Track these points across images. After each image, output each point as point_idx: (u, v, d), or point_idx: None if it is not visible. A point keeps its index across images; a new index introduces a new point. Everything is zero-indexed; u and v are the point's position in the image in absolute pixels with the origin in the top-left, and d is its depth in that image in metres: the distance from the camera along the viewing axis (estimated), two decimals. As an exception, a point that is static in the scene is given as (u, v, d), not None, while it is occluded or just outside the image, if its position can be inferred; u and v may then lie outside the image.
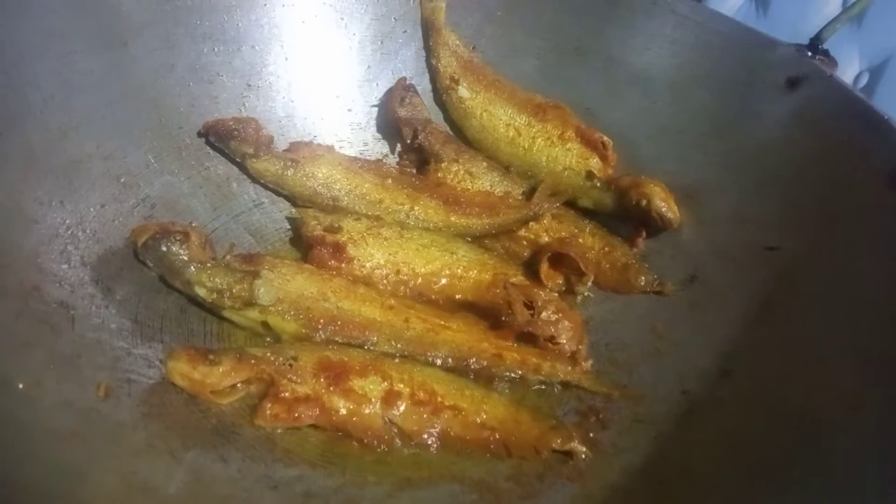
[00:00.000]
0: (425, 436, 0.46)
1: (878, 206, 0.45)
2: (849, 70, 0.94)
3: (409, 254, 0.56)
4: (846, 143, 0.48)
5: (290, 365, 0.46)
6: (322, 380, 0.46)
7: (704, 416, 0.45)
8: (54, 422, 0.36)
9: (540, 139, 0.63)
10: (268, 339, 0.50)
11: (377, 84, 0.66)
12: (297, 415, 0.45)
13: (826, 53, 0.52)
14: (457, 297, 0.56)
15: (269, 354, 0.46)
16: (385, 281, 0.56)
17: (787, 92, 0.53)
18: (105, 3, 0.53)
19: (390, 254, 0.56)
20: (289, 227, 0.59)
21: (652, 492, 0.41)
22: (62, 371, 0.39)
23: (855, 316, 0.43)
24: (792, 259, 0.49)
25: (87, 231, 0.49)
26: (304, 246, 0.56)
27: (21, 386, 0.36)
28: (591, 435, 0.46)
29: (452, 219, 0.60)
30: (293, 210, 0.59)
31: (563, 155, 0.62)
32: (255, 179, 0.60)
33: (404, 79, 0.65)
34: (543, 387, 0.51)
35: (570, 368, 0.51)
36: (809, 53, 0.53)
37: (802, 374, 0.42)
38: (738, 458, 0.40)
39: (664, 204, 0.56)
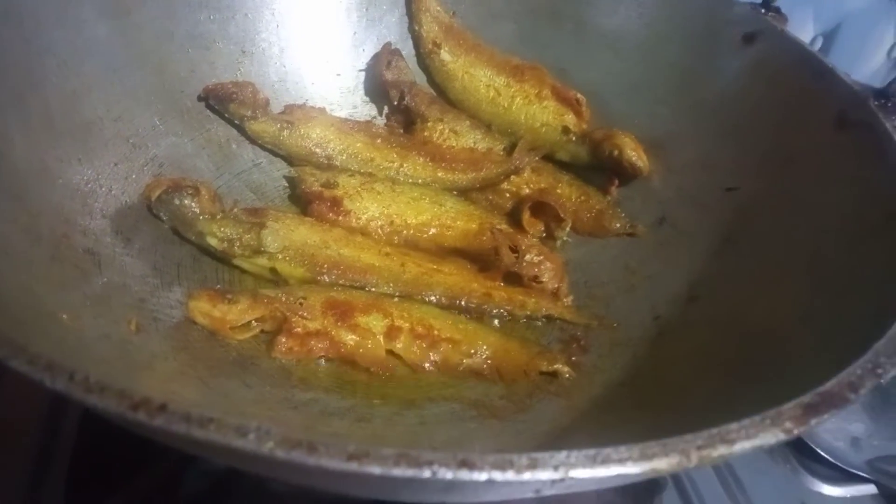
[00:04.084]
0: (425, 364, 0.51)
1: (827, 145, 0.50)
2: (803, 34, 0.99)
3: (401, 206, 0.61)
4: (798, 91, 0.53)
5: (301, 303, 0.50)
6: (330, 317, 0.50)
7: (675, 336, 0.50)
8: (97, 351, 0.40)
9: (518, 98, 0.67)
10: (275, 285, 0.54)
11: (363, 49, 0.69)
12: (309, 348, 0.49)
13: (777, 10, 0.57)
14: (446, 244, 0.60)
15: (280, 295, 0.51)
16: (380, 231, 0.60)
17: (744, 47, 0.58)
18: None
19: (384, 206, 0.60)
20: (287, 185, 0.63)
21: (630, 401, 0.46)
22: (97, 309, 0.43)
23: (806, 243, 0.48)
24: (750, 198, 0.54)
25: (104, 187, 0.52)
26: (303, 201, 0.60)
27: (65, 317, 0.39)
28: (574, 358, 0.52)
29: (439, 174, 0.65)
30: (291, 169, 0.63)
31: (541, 112, 0.66)
32: (253, 141, 0.63)
33: (389, 44, 0.69)
34: (529, 321, 0.56)
35: (552, 304, 0.56)
36: (763, 11, 0.58)
37: (760, 295, 0.48)
38: (706, 368, 0.45)
39: (634, 153, 0.61)
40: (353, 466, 0.22)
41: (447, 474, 0.23)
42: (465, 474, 0.23)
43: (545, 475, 0.23)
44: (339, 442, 0.22)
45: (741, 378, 0.42)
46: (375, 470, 0.22)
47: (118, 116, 0.55)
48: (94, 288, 0.45)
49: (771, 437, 0.26)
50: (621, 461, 0.24)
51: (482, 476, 0.23)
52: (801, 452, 0.59)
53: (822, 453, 0.58)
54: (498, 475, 0.23)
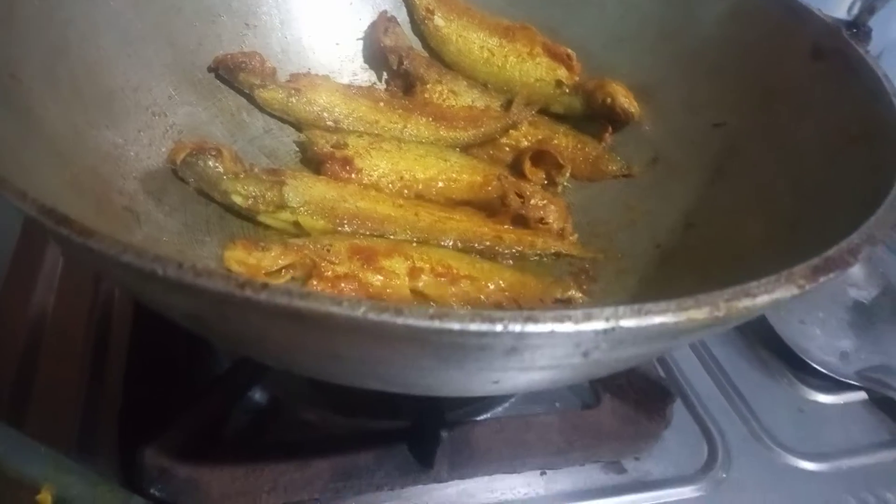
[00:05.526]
0: (448, 299, 0.54)
1: (805, 76, 0.54)
2: None
3: (409, 163, 0.64)
4: (774, 29, 0.58)
5: (328, 249, 0.54)
6: (356, 261, 0.54)
7: (676, 259, 0.54)
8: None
9: (511, 57, 0.71)
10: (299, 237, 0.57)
11: (360, 18, 0.73)
12: (339, 289, 0.52)
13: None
14: (454, 197, 0.64)
15: (308, 242, 0.54)
16: (391, 186, 0.63)
17: (722, -7, 0.62)
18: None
19: (392, 163, 0.64)
20: (298, 149, 0.66)
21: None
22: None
23: (791, 164, 0.52)
24: (736, 131, 0.59)
25: (132, 153, 0.54)
26: (315, 163, 0.63)
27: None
28: (584, 287, 0.56)
29: (442, 132, 0.68)
30: (301, 134, 0.66)
31: (534, 69, 0.70)
32: (262, 109, 0.66)
33: (385, 12, 0.72)
34: (539, 259, 0.60)
35: (560, 241, 0.60)
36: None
37: (752, 214, 0.52)
38: (706, 280, 0.49)
39: (626, 100, 0.65)
40: (436, 324, 0.26)
41: (516, 327, 0.26)
42: (531, 327, 0.26)
43: (599, 325, 0.27)
44: (421, 307, 0.26)
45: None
46: (454, 325, 0.26)
47: (137, 86, 0.58)
48: (138, 238, 0.48)
49: (786, 291, 0.29)
50: (661, 312, 0.27)
51: (546, 328, 0.26)
52: (797, 367, 0.63)
53: (816, 366, 0.62)
54: (559, 326, 0.26)
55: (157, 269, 0.26)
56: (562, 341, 0.28)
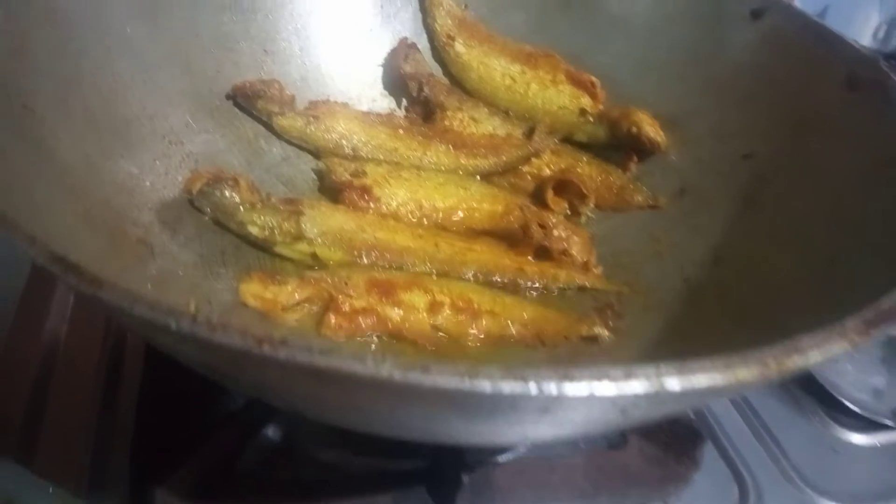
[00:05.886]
0: (468, 335, 0.52)
1: (839, 105, 0.52)
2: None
3: (429, 191, 0.63)
4: (807, 58, 0.56)
5: (346, 283, 0.52)
6: (374, 294, 0.52)
7: (706, 296, 0.52)
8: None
9: (534, 84, 0.70)
10: (316, 269, 0.56)
11: (380, 45, 0.72)
12: (357, 324, 0.51)
13: (783, -15, 0.60)
14: (474, 226, 0.62)
15: (326, 275, 0.52)
16: (410, 216, 0.62)
17: (753, 22, 0.61)
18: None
19: (411, 192, 0.62)
20: (315, 177, 0.65)
21: (670, 357, 0.48)
22: (158, 291, 0.45)
23: (825, 197, 0.51)
24: (767, 161, 0.57)
25: (147, 183, 0.53)
26: (333, 191, 0.62)
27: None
28: (611, 323, 0.54)
29: (462, 160, 0.67)
30: (319, 162, 0.65)
31: (557, 96, 0.69)
32: (280, 136, 0.65)
33: (405, 38, 0.71)
34: (562, 293, 0.58)
35: (584, 274, 0.58)
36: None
37: (786, 248, 0.50)
38: (741, 323, 0.47)
39: (652, 129, 0.63)
40: (466, 384, 0.24)
41: (551, 389, 0.24)
42: (568, 388, 0.24)
43: (640, 386, 0.25)
44: (450, 364, 0.24)
45: (775, 326, 0.44)
46: (486, 386, 0.24)
47: (153, 115, 0.57)
48: (152, 272, 0.46)
49: (839, 347, 0.28)
50: (706, 370, 0.26)
51: (582, 390, 0.24)
52: (829, 405, 0.61)
53: (848, 404, 0.60)
54: (597, 388, 0.25)
55: (170, 323, 0.24)
56: (599, 402, 0.26)
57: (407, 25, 0.72)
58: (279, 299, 0.49)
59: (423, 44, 0.72)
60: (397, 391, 0.25)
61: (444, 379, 0.24)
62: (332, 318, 0.50)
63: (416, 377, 0.24)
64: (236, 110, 0.64)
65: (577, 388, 0.24)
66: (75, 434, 0.53)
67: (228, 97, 0.63)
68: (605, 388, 0.25)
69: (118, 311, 0.26)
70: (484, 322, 0.53)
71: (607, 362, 0.48)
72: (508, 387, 0.24)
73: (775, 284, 0.48)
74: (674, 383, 0.25)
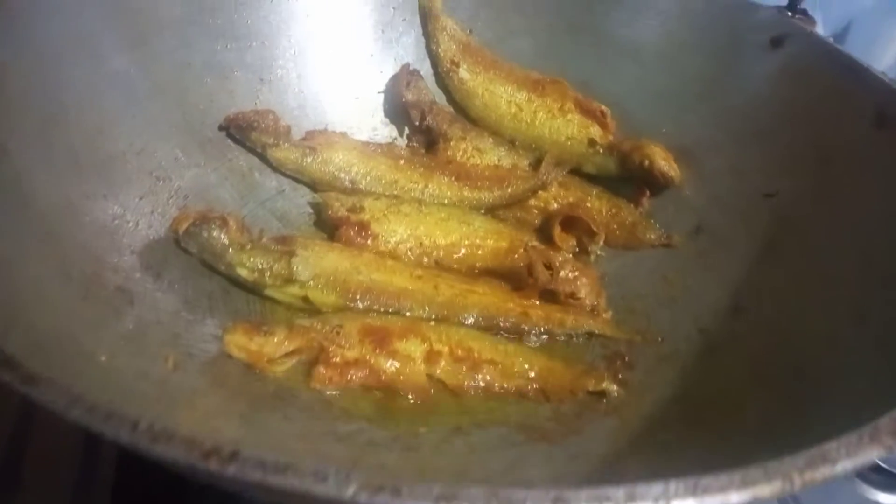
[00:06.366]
0: (467, 388, 0.49)
1: (867, 144, 0.49)
2: (815, 36, 0.99)
3: (430, 227, 0.60)
4: (831, 91, 0.53)
5: (337, 332, 0.49)
6: (368, 344, 0.49)
7: (724, 349, 0.49)
8: (137, 391, 0.38)
9: (541, 113, 0.66)
10: (308, 314, 0.53)
11: (381, 71, 0.69)
12: (348, 377, 0.48)
13: (805, 13, 0.56)
14: (477, 264, 0.59)
15: (316, 324, 0.49)
16: (409, 253, 0.59)
17: (772, 50, 0.57)
18: (126, 4, 0.55)
19: (412, 228, 0.59)
20: (312, 211, 0.62)
21: (686, 419, 0.44)
22: (133, 347, 0.42)
23: (853, 247, 0.47)
24: (790, 202, 0.53)
25: (131, 222, 0.51)
26: (329, 227, 0.59)
27: (103, 359, 0.38)
28: (620, 376, 0.50)
29: (465, 193, 0.63)
30: (315, 195, 0.62)
31: (565, 126, 0.65)
32: (275, 168, 0.62)
33: (408, 65, 0.68)
34: (569, 339, 0.54)
35: (592, 319, 0.55)
36: (789, 14, 0.57)
37: (808, 301, 0.46)
38: (762, 382, 0.44)
39: (665, 163, 0.59)
40: (442, 508, 0.21)
41: (542, 515, 0.21)
42: (561, 513, 0.21)
43: (645, 509, 0.22)
44: (424, 484, 0.21)
45: (801, 389, 0.41)
46: (466, 511, 0.21)
47: (141, 150, 0.54)
48: (128, 325, 0.44)
49: (872, 453, 0.24)
50: (722, 489, 0.22)
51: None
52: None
53: (880, 462, 0.56)
54: (596, 512, 0.21)
55: (105, 431, 0.22)
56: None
57: (409, 51, 0.69)
58: (265, 351, 0.46)
59: (426, 70, 0.69)
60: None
61: (417, 502, 0.21)
62: (322, 370, 0.47)
63: (384, 500, 0.21)
64: (229, 142, 0.61)
65: (571, 512, 0.21)
66: (59, 472, 0.50)
67: (221, 129, 0.61)
68: (605, 511, 0.21)
69: (55, 412, 0.23)
70: (484, 373, 0.50)
71: (614, 425, 0.45)
72: (492, 511, 0.21)
73: (799, 342, 0.44)
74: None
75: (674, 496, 0.22)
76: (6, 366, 0.23)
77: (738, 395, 0.43)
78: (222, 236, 0.52)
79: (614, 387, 0.48)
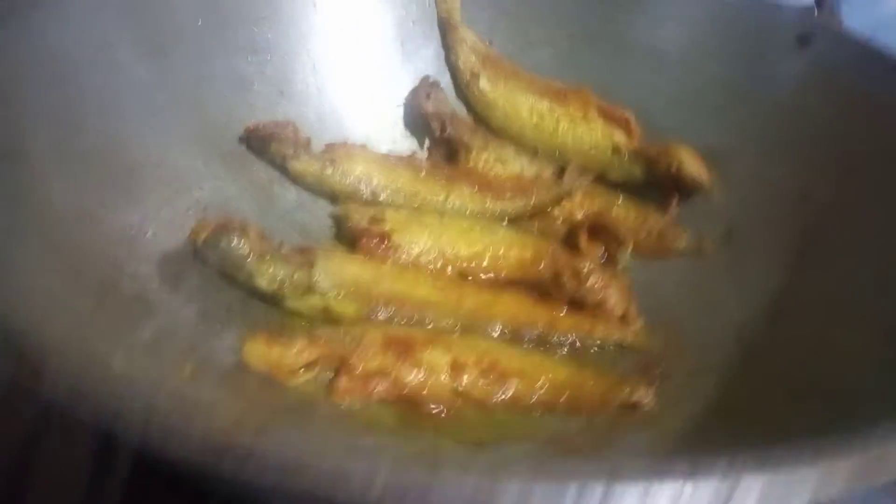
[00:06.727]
0: (493, 400, 0.47)
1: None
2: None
3: (452, 238, 0.58)
4: (863, 90, 0.51)
5: (359, 342, 0.47)
6: (390, 354, 0.47)
7: (762, 359, 0.46)
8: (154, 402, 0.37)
9: (564, 121, 0.65)
10: (328, 325, 0.51)
11: (401, 84, 0.68)
12: (370, 389, 0.46)
13: (831, 10, 0.55)
14: (501, 275, 0.57)
15: (337, 333, 0.48)
16: (431, 264, 0.57)
17: (798, 49, 0.56)
18: (146, 14, 0.55)
19: (434, 239, 0.58)
20: (331, 223, 0.61)
21: (726, 431, 0.42)
22: (150, 356, 0.41)
23: (888, 252, 0.45)
24: (822, 208, 0.51)
25: (148, 232, 0.50)
26: (350, 239, 0.58)
27: (119, 367, 0.37)
28: (654, 387, 0.48)
29: (488, 203, 0.62)
30: (336, 207, 0.61)
31: (588, 133, 0.64)
32: (295, 180, 0.61)
33: (427, 77, 0.67)
34: (599, 349, 0.52)
35: (622, 329, 0.53)
36: (816, 11, 0.55)
37: (834, 316, 0.44)
38: (803, 393, 0.42)
39: (695, 166, 0.58)
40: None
41: (596, 488, 0.19)
42: (618, 487, 0.19)
43: (708, 487, 0.20)
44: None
45: (844, 402, 0.39)
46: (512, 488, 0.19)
47: (159, 161, 0.54)
48: (145, 335, 0.42)
49: None
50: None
51: (636, 489, 0.19)
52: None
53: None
54: (656, 486, 0.19)
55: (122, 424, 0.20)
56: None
57: (429, 63, 0.69)
58: (285, 361, 0.45)
59: (445, 82, 0.68)
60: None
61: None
62: (343, 382, 0.46)
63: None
64: (249, 154, 0.60)
65: (629, 487, 0.19)
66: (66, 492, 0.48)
67: (241, 140, 0.60)
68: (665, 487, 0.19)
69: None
70: (511, 384, 0.48)
71: (650, 437, 0.43)
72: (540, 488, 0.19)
73: (837, 358, 0.42)
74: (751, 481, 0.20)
75: (742, 469, 0.20)
76: (24, 369, 0.22)
77: (778, 409, 0.41)
78: (242, 245, 0.50)
79: (648, 398, 0.46)
